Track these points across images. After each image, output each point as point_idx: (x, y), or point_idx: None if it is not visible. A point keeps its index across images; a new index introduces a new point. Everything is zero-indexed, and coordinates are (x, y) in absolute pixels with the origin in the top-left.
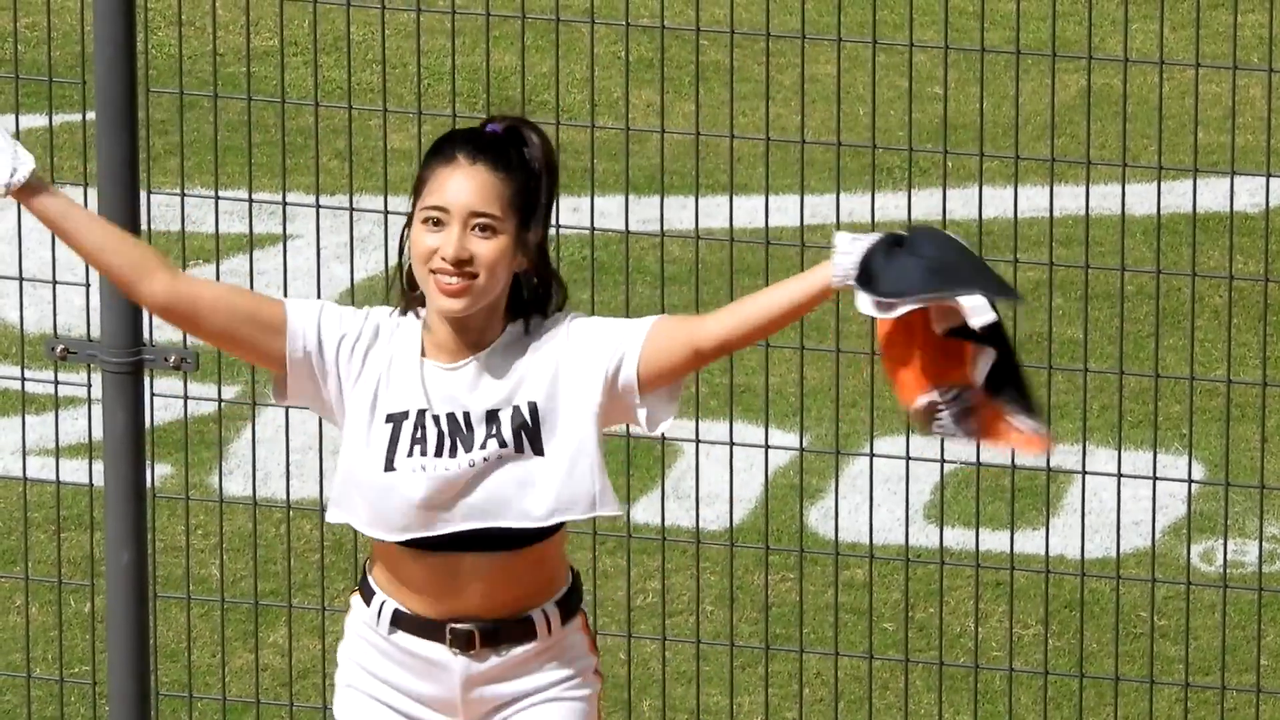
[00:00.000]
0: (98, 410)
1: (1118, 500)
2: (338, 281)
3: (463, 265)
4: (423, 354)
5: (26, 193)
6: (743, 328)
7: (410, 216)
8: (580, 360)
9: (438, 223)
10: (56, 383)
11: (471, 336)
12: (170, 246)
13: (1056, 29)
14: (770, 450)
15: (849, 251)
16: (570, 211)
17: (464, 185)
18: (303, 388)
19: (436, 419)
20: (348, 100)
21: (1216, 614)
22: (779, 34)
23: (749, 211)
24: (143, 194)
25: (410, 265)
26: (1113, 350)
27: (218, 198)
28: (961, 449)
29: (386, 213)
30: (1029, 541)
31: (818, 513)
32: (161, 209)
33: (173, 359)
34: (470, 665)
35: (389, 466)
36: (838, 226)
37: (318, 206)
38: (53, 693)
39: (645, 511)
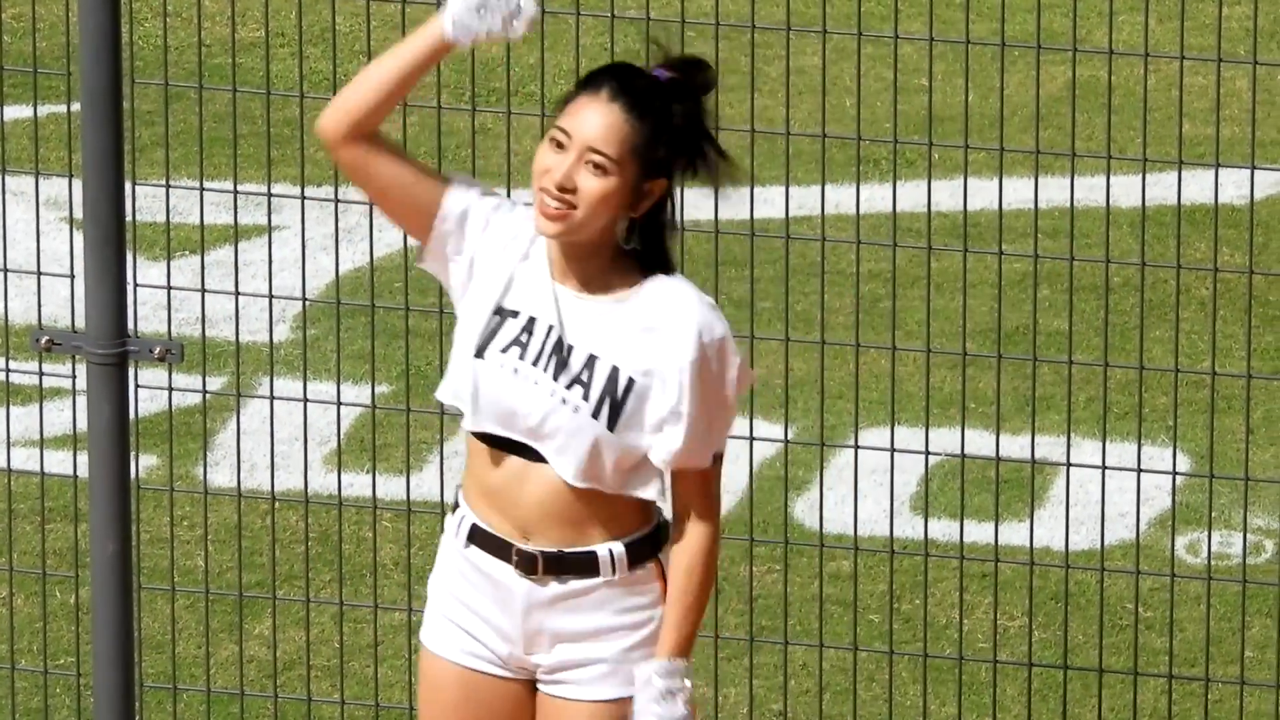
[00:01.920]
0: (82, 401)
1: (1102, 492)
2: (324, 273)
3: (565, 193)
4: (552, 275)
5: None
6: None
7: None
8: (682, 374)
9: (560, 145)
10: (41, 374)
11: (590, 271)
12: (156, 237)
13: (1042, 21)
14: (755, 442)
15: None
16: None
17: (593, 119)
18: (437, 261)
19: (550, 329)
20: (333, 91)
21: (1201, 606)
22: (765, 26)
23: (734, 203)
24: (128, 185)
25: None
26: (1098, 342)
27: (203, 189)
28: (948, 441)
29: (372, 204)
30: (1014, 533)
31: (803, 504)
32: (147, 200)
33: (157, 351)
34: (532, 590)
35: (478, 354)
36: (823, 218)
37: (303, 198)
38: (37, 684)
39: None
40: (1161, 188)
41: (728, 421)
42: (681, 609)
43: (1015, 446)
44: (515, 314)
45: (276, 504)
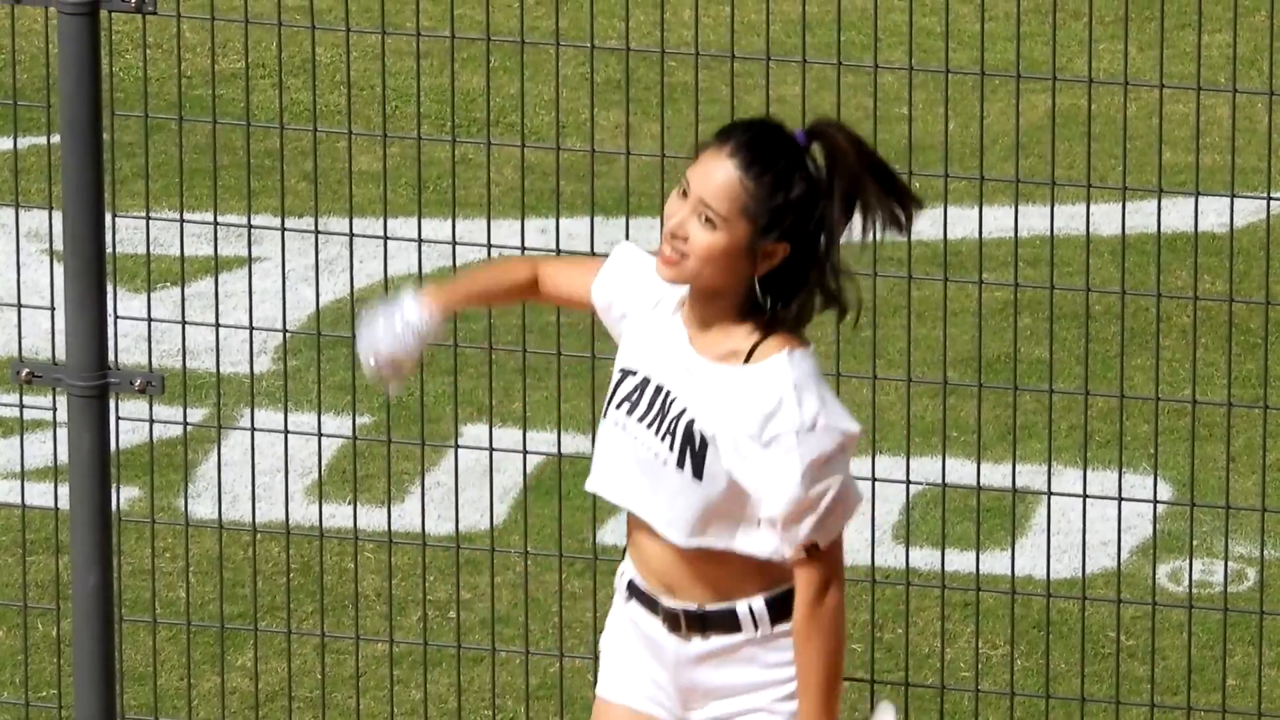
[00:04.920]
0: (63, 433)
1: (1084, 521)
2: (305, 304)
3: (677, 240)
4: (681, 321)
5: (441, 321)
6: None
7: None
8: (743, 436)
9: (684, 194)
10: (22, 406)
11: (709, 317)
12: (137, 269)
13: (1022, 50)
14: None
15: None
16: (538, 233)
17: (710, 173)
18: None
19: (661, 388)
20: (313, 122)
21: (1183, 634)
22: (744, 55)
23: None
24: (108, 217)
25: None
26: (1079, 370)
27: (183, 220)
28: (929, 470)
29: (352, 235)
30: (996, 562)
31: None
32: (128, 232)
33: (138, 383)
34: (680, 647)
35: (604, 413)
36: None
37: (283, 229)
38: (19, 716)
39: (613, 534)
40: (1142, 216)
41: (821, 511)
42: (806, 700)
43: (997, 475)
44: (634, 372)
45: (258, 535)
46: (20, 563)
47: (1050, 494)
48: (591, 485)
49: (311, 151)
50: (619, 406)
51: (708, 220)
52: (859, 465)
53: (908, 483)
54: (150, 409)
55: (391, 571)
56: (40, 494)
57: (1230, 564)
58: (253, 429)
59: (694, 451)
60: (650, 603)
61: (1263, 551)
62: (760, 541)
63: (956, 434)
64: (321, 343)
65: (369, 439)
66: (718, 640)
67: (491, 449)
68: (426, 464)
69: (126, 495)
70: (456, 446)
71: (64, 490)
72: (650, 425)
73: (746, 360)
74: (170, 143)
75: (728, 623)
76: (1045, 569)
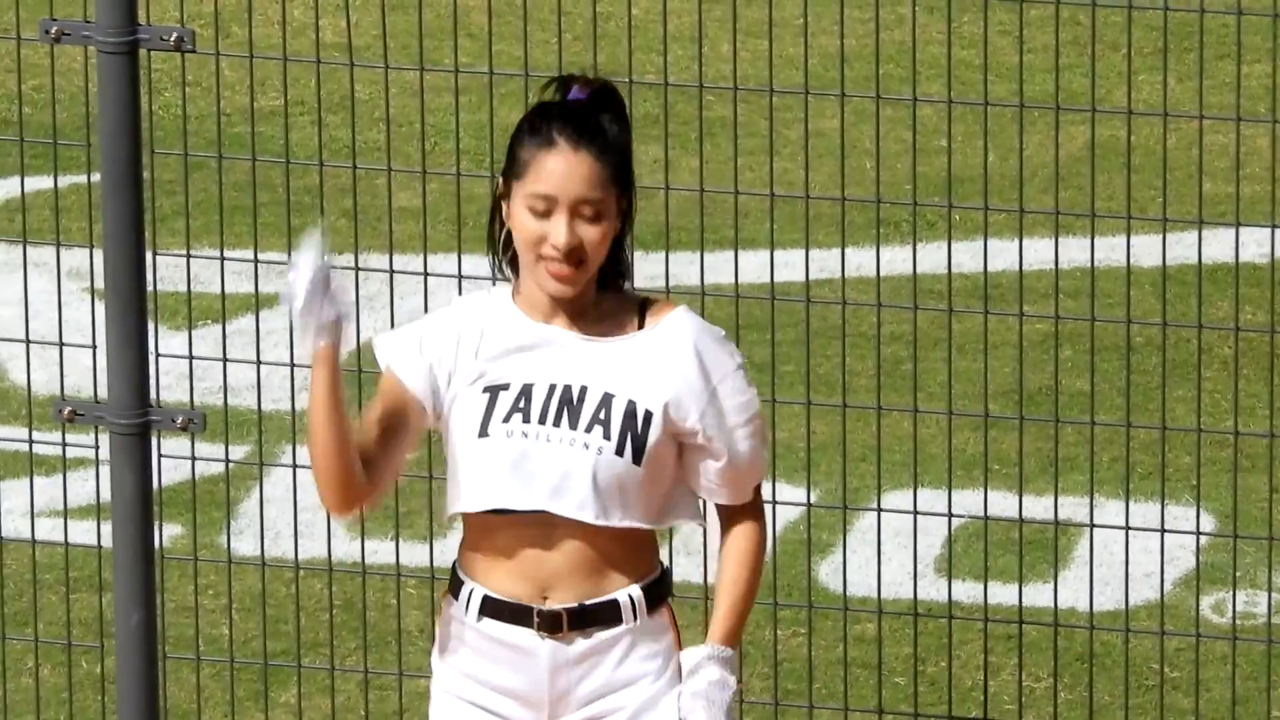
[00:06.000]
0: (106, 471)
1: (1126, 552)
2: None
3: (575, 252)
4: (544, 321)
5: (331, 355)
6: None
7: (504, 193)
8: (690, 392)
9: (544, 211)
10: (64, 445)
11: (580, 306)
12: (178, 307)
13: (1061, 81)
14: (779, 505)
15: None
16: None
17: (571, 174)
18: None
19: (551, 387)
20: (352, 159)
21: (1227, 665)
22: (783, 89)
23: (756, 267)
24: (149, 255)
25: (504, 241)
26: (1121, 402)
27: (224, 258)
28: (971, 503)
29: (392, 272)
30: (1039, 595)
31: (827, 567)
32: (168, 269)
33: (180, 420)
34: (557, 650)
35: (482, 433)
36: (844, 280)
37: None
38: None
39: None
40: (1182, 247)
41: (759, 454)
42: (731, 599)
43: (1039, 507)
44: (505, 386)
45: (301, 572)
46: (64, 600)
47: (1092, 526)
48: (486, 504)
49: (351, 188)
50: (507, 420)
51: (593, 216)
52: (900, 498)
53: (949, 516)
54: (192, 446)
55: (434, 607)
56: (83, 532)
57: (1274, 595)
58: (295, 465)
59: (635, 434)
60: (517, 613)
61: None
62: (688, 512)
63: (998, 466)
64: (363, 379)
65: (411, 475)
66: (599, 635)
67: None
68: None
69: (169, 533)
70: None
71: (107, 528)
72: (562, 423)
73: (641, 327)
74: (210, 180)
75: (609, 615)
76: (1088, 601)
